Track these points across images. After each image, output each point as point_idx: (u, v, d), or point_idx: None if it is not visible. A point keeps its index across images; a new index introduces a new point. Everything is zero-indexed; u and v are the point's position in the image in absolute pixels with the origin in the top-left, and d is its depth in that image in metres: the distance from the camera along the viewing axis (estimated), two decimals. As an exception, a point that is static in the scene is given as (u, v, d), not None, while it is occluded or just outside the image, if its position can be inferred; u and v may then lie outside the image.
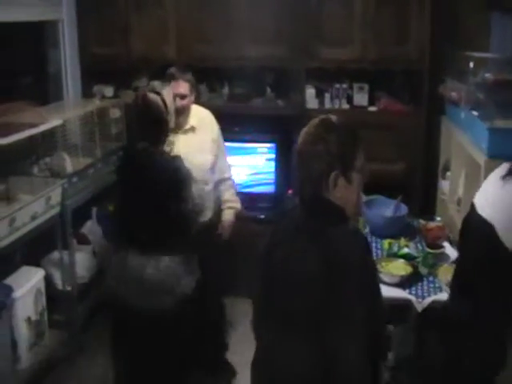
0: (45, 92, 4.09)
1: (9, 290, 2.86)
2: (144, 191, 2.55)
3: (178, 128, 2.94)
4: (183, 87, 2.92)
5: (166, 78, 2.95)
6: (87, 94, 4.19)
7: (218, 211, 3.17)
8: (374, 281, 1.72)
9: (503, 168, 1.89)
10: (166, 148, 2.61)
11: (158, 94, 2.58)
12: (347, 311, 1.58)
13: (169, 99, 2.62)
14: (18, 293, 2.91)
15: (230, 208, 3.16)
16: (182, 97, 2.92)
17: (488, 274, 1.81)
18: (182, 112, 2.93)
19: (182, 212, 2.52)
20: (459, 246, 2.15)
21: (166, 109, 2.57)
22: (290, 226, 1.77)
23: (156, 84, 2.71)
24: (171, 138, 2.73)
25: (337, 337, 1.59)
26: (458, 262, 2.15)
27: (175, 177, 2.53)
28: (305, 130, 1.73)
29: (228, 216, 3.15)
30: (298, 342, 1.64)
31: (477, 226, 1.88)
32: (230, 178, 3.22)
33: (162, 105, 2.56)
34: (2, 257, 2.85)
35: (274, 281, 1.74)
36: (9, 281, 2.96)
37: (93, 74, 4.22)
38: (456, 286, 2.05)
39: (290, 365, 1.66)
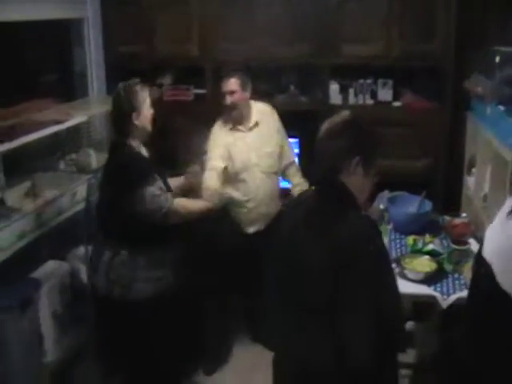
0: (70, 89, 4.13)
1: (37, 283, 2.90)
2: (102, 184, 2.71)
3: (240, 124, 3.17)
4: (231, 84, 3.07)
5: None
6: (112, 91, 4.20)
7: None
8: (380, 270, 1.71)
9: (509, 202, 1.73)
10: (134, 143, 2.64)
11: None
12: (353, 300, 1.61)
13: (141, 96, 2.64)
14: (44, 287, 2.95)
15: (300, 191, 3.09)
16: (231, 93, 3.08)
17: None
18: (234, 108, 3.11)
19: (134, 209, 2.52)
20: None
21: (131, 103, 2.60)
22: (302, 211, 1.82)
23: (132, 82, 2.73)
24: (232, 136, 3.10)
25: (344, 326, 1.62)
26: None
27: (128, 172, 2.56)
28: (326, 124, 1.82)
29: None
30: (313, 332, 1.68)
31: (480, 263, 1.76)
32: (294, 162, 3.43)
33: (129, 98, 2.61)
34: (29, 251, 2.90)
35: (287, 269, 1.79)
36: (35, 275, 3.01)
37: (118, 72, 4.25)
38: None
39: (308, 356, 1.69)
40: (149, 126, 2.70)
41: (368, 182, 1.81)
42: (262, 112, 3.25)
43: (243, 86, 3.08)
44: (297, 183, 3.35)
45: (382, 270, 1.70)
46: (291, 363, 1.76)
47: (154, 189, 2.55)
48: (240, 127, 3.18)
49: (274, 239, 1.90)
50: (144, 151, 2.74)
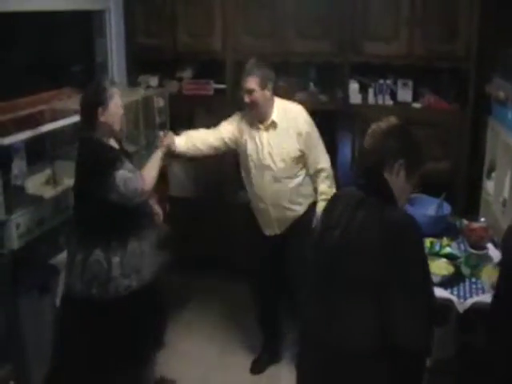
0: (92, 80, 4.15)
1: (55, 270, 2.93)
2: (75, 180, 2.71)
3: (260, 123, 3.08)
4: (249, 82, 2.98)
5: None
6: (133, 83, 4.24)
7: (313, 204, 3.18)
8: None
9: None
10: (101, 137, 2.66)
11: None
12: (406, 279, 1.66)
13: (109, 93, 2.66)
14: (62, 274, 2.97)
15: (324, 200, 3.03)
16: (249, 91, 2.99)
17: None
18: (252, 107, 3.03)
19: (110, 197, 2.56)
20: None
21: (98, 98, 2.62)
22: (347, 201, 1.86)
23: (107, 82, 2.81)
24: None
25: (394, 307, 1.67)
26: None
27: (95, 163, 2.59)
28: (373, 126, 1.87)
29: (320, 208, 3.02)
30: (356, 311, 1.73)
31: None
32: (324, 169, 3.16)
33: (96, 93, 2.64)
34: (48, 238, 2.92)
35: (333, 253, 1.83)
36: (53, 261, 3.04)
37: (138, 64, 4.28)
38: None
39: (347, 334, 1.74)
40: (116, 125, 2.70)
41: (408, 188, 1.87)
42: (284, 112, 3.09)
43: (262, 85, 2.98)
44: (321, 191, 3.15)
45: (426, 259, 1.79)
46: (329, 349, 1.78)
47: (124, 172, 2.59)
48: (258, 124, 3.09)
49: (318, 229, 1.96)
50: (113, 143, 2.76)
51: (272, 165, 3.08)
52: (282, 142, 3.06)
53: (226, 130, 3.18)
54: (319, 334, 1.82)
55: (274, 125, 3.07)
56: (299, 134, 3.06)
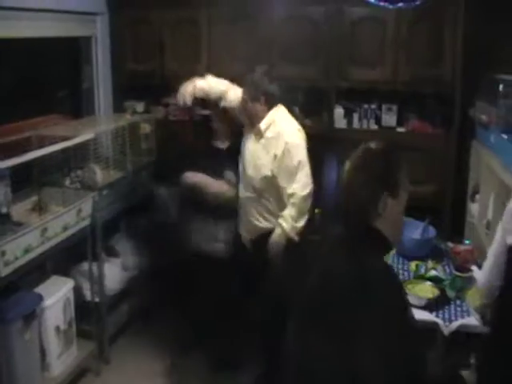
0: (79, 106, 4.18)
1: (39, 298, 2.91)
2: None
3: (251, 127, 3.15)
4: (243, 92, 3.12)
5: None
6: (119, 108, 4.26)
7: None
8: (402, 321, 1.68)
9: None
10: None
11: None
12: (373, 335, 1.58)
13: None
14: (47, 301, 2.97)
15: (279, 225, 3.04)
16: (242, 99, 3.11)
17: None
18: (241, 112, 3.16)
19: None
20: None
21: None
22: (332, 251, 1.80)
23: None
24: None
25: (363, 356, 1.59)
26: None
27: None
28: (348, 162, 1.76)
29: (274, 236, 3.07)
30: (329, 352, 1.66)
31: None
32: (293, 195, 3.02)
33: None
34: (34, 266, 2.90)
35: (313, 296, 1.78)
36: (39, 289, 3.02)
37: (125, 90, 4.30)
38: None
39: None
40: None
41: (400, 210, 1.74)
42: (274, 129, 3.05)
43: (255, 97, 3.04)
44: (282, 215, 3.04)
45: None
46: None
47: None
48: (250, 128, 3.17)
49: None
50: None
51: (249, 171, 3.14)
52: (260, 157, 3.08)
53: None
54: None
55: (259, 134, 3.09)
56: (275, 156, 3.03)
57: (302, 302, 1.83)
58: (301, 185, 3.03)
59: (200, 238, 3.33)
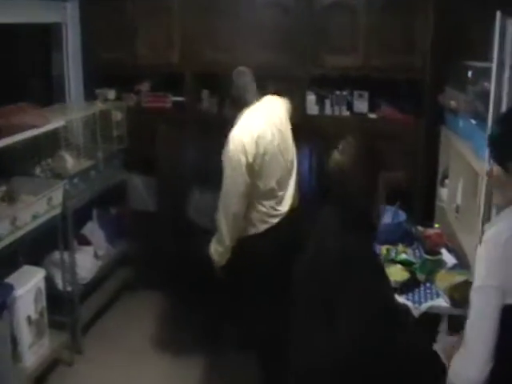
0: (49, 94, 4.12)
1: (10, 288, 2.88)
2: None
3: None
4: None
5: None
6: (90, 96, 4.22)
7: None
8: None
9: None
10: None
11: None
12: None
13: None
14: (18, 291, 2.93)
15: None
16: None
17: None
18: None
19: None
20: None
21: None
22: (327, 233, 1.89)
23: None
24: None
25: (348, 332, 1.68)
26: None
27: None
28: (340, 154, 1.90)
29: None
30: (319, 333, 1.76)
31: None
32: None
33: None
34: (4, 256, 2.87)
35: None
36: (10, 279, 2.99)
37: (97, 78, 4.25)
38: None
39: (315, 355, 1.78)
40: None
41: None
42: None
43: (236, 96, 3.03)
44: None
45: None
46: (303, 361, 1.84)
47: None
48: None
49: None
50: None
51: None
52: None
53: None
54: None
55: None
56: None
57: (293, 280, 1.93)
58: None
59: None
